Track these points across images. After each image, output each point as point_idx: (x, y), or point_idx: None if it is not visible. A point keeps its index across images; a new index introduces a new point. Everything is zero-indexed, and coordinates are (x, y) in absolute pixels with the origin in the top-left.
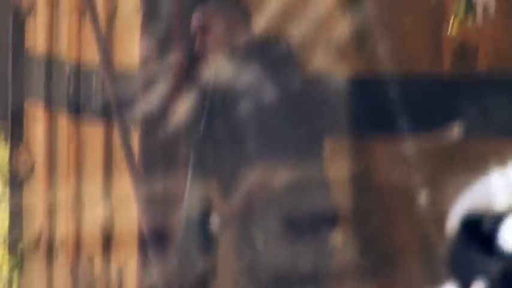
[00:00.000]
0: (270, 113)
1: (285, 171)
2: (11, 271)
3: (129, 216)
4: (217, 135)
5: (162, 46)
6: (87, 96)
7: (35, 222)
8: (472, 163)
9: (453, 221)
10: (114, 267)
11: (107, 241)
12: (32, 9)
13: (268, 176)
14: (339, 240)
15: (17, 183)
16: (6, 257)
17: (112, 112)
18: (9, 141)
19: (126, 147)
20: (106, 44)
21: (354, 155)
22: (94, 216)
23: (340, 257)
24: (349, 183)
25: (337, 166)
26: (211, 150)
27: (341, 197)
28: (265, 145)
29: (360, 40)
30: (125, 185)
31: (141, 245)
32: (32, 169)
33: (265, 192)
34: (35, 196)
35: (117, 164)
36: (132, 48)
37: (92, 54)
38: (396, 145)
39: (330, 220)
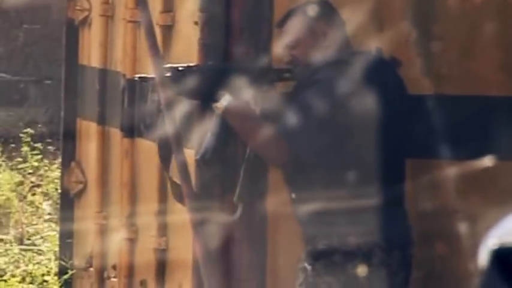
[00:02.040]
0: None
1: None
2: None
3: (184, 239)
4: None
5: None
6: (142, 112)
7: (86, 243)
8: (506, 195)
9: (484, 253)
10: None
11: (161, 264)
12: (86, 21)
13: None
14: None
15: (68, 202)
16: (56, 279)
17: (167, 128)
18: (60, 158)
19: (182, 168)
20: (161, 57)
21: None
22: (148, 238)
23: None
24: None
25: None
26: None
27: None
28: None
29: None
30: (180, 207)
31: (195, 269)
32: (84, 188)
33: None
34: (86, 216)
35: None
36: (189, 60)
37: (147, 68)
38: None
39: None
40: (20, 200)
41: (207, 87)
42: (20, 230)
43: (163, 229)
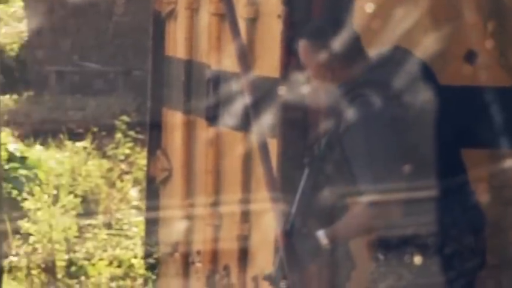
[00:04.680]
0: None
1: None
2: (146, 278)
3: (266, 225)
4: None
5: None
6: (226, 102)
7: (172, 228)
8: None
9: None
10: (249, 276)
11: (244, 250)
12: (172, 14)
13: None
14: None
15: (154, 189)
16: (142, 263)
17: (250, 119)
18: (146, 147)
19: (264, 156)
20: (245, 48)
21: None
22: (231, 224)
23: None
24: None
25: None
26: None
27: None
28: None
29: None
30: (262, 195)
31: (276, 255)
32: (169, 176)
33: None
34: (172, 202)
35: (255, 173)
36: (272, 53)
37: (231, 59)
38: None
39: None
40: (109, 187)
41: None
42: (108, 215)
43: (246, 216)
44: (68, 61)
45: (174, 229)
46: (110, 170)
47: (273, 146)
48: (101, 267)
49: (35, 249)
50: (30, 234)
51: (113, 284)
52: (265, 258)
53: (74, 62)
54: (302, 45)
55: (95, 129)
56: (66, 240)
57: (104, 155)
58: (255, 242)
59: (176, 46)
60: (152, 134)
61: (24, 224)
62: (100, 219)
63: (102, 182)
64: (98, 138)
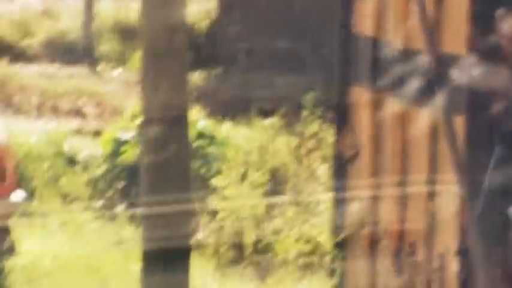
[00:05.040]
0: None
1: None
2: (334, 255)
3: (451, 203)
4: None
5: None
6: (413, 79)
7: (359, 207)
8: None
9: None
10: (435, 253)
11: (429, 228)
12: None
13: None
14: None
15: (341, 167)
16: (330, 240)
17: (437, 96)
18: (335, 123)
19: (450, 134)
20: (432, 26)
21: None
22: (417, 203)
23: None
24: None
25: None
26: None
27: None
28: None
29: None
30: (448, 173)
31: (462, 233)
32: (356, 153)
33: None
34: (359, 181)
35: (441, 151)
36: (459, 29)
37: (418, 37)
38: None
39: None
40: (297, 164)
41: None
42: (296, 192)
43: (432, 196)
44: (257, 38)
45: (361, 207)
46: (298, 147)
47: (460, 124)
48: (289, 244)
49: (222, 227)
50: (218, 212)
51: (300, 261)
52: (450, 236)
53: (262, 39)
54: (501, 15)
55: (284, 107)
56: (254, 217)
57: (292, 132)
58: (441, 220)
59: (363, 23)
60: (340, 111)
61: (213, 202)
62: (287, 196)
63: (290, 159)
64: (287, 116)
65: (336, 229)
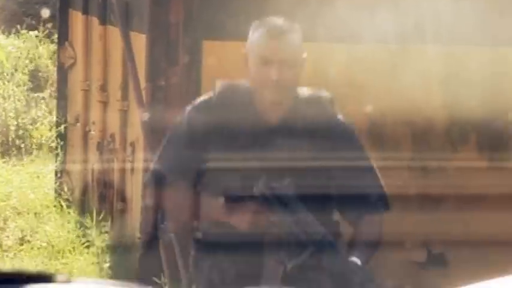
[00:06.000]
0: None
1: None
2: (58, 142)
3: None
4: None
5: None
6: (111, 4)
7: (76, 104)
8: None
9: None
10: (129, 141)
11: (123, 123)
12: None
13: None
14: None
15: (63, 73)
16: (54, 129)
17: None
18: (57, 39)
19: (128, 51)
20: None
21: None
22: (115, 105)
23: None
24: None
25: None
26: None
27: None
28: None
29: None
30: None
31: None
32: (74, 62)
33: None
34: (76, 83)
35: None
36: None
37: None
38: None
39: None
40: (53, 65)
41: None
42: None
43: (124, 100)
44: None
45: (78, 105)
46: (54, 53)
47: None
48: (44, 131)
49: None
50: None
51: (53, 144)
52: (138, 128)
53: None
54: None
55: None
56: (16, 109)
57: (53, 42)
58: (131, 116)
59: None
60: (61, 30)
61: None
62: (47, 92)
63: (50, 62)
64: (47, 28)
65: (59, 121)
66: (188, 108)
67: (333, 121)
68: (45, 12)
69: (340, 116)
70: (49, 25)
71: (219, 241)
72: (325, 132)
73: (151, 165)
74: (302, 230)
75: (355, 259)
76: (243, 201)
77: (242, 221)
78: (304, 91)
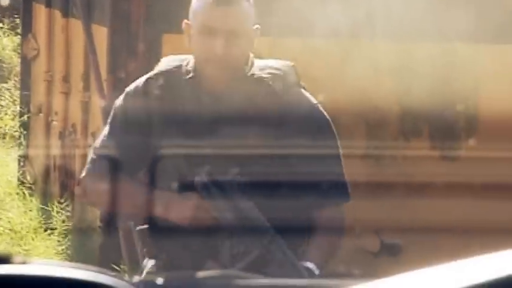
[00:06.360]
0: None
1: None
2: (21, 131)
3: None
4: None
5: None
6: None
7: (39, 94)
8: None
9: None
10: (90, 131)
11: (86, 113)
12: None
13: None
14: None
15: (26, 64)
16: (18, 118)
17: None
18: (20, 31)
19: (89, 43)
20: None
21: None
22: (77, 96)
23: None
24: None
25: None
26: None
27: None
28: None
29: None
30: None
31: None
32: (37, 54)
33: None
34: (39, 74)
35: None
36: None
37: None
38: None
39: None
40: (17, 57)
41: None
42: (15, 76)
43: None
44: None
45: (40, 95)
46: (20, 44)
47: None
48: (8, 120)
49: None
50: None
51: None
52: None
53: None
54: None
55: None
56: None
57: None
58: (93, 107)
59: None
60: (25, 22)
61: None
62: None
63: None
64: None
65: (23, 111)
66: (126, 90)
67: (293, 100)
68: (5, 1)
69: (303, 94)
70: (13, 18)
71: (169, 227)
72: (282, 113)
73: (90, 154)
74: (244, 224)
75: (308, 263)
76: (184, 192)
77: (182, 218)
78: (259, 64)
